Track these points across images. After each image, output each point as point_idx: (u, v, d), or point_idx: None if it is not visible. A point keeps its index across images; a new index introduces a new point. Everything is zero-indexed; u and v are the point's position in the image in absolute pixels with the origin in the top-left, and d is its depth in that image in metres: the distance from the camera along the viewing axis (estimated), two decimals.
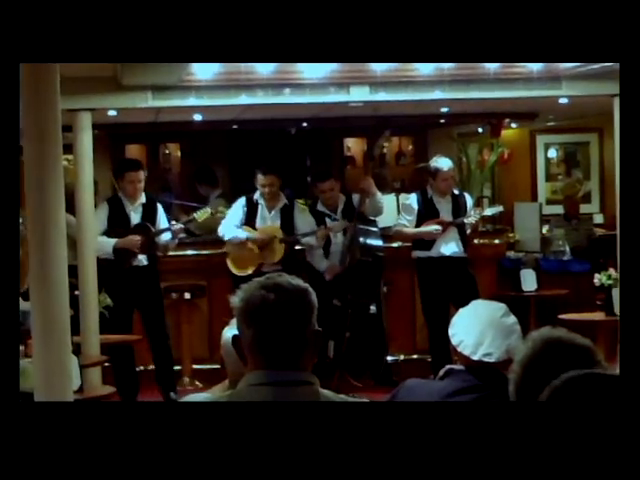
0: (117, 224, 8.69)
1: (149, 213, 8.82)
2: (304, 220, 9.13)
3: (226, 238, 9.02)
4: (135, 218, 8.76)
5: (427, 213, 9.01)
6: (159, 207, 8.97)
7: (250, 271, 8.86)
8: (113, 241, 8.60)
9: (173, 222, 9.03)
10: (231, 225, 9.06)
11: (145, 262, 8.69)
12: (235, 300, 2.67)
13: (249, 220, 9.04)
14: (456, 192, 9.19)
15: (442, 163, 8.97)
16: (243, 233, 8.99)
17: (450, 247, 8.93)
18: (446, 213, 9.01)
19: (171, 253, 9.11)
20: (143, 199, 8.82)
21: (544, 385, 2.30)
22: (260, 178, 9.00)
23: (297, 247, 9.24)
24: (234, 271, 9.01)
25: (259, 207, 9.07)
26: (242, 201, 9.16)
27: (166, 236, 8.85)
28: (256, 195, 9.10)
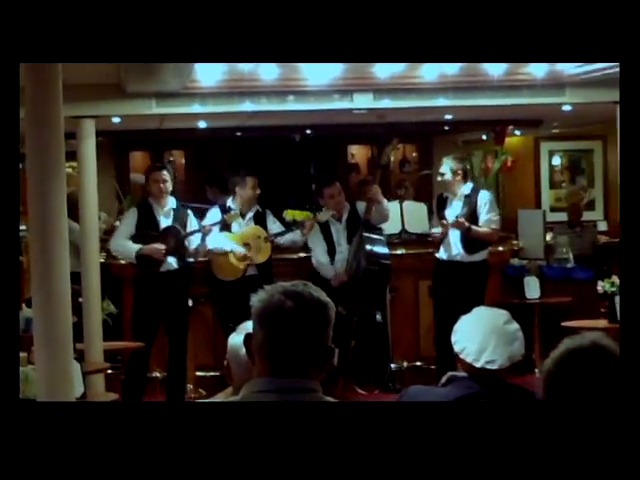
0: (146, 229, 8.68)
1: (180, 218, 8.81)
2: (277, 225, 9.15)
3: (210, 247, 8.94)
4: (165, 223, 8.74)
5: (440, 213, 9.01)
6: (190, 213, 8.97)
7: (239, 274, 8.85)
8: (136, 247, 8.58)
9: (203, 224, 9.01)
10: (212, 234, 8.97)
11: (175, 266, 8.67)
12: (254, 299, 2.68)
13: (225, 228, 9.01)
14: (467, 192, 8.94)
15: (442, 167, 8.96)
16: (227, 243, 8.92)
17: (449, 251, 8.86)
18: (452, 213, 8.86)
19: None
20: (173, 204, 8.80)
21: (574, 384, 2.28)
22: (250, 180, 9.00)
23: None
24: (221, 277, 8.95)
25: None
26: (216, 211, 9.13)
27: (196, 241, 8.84)
28: (229, 202, 9.11)
